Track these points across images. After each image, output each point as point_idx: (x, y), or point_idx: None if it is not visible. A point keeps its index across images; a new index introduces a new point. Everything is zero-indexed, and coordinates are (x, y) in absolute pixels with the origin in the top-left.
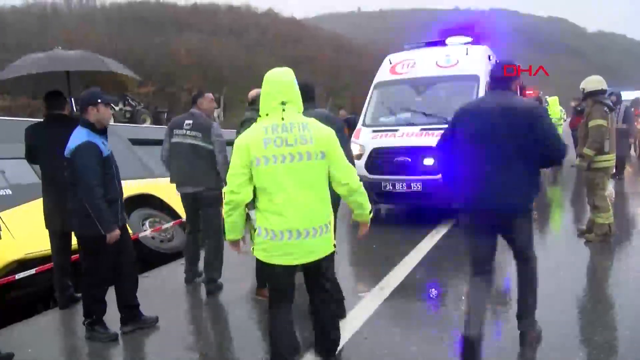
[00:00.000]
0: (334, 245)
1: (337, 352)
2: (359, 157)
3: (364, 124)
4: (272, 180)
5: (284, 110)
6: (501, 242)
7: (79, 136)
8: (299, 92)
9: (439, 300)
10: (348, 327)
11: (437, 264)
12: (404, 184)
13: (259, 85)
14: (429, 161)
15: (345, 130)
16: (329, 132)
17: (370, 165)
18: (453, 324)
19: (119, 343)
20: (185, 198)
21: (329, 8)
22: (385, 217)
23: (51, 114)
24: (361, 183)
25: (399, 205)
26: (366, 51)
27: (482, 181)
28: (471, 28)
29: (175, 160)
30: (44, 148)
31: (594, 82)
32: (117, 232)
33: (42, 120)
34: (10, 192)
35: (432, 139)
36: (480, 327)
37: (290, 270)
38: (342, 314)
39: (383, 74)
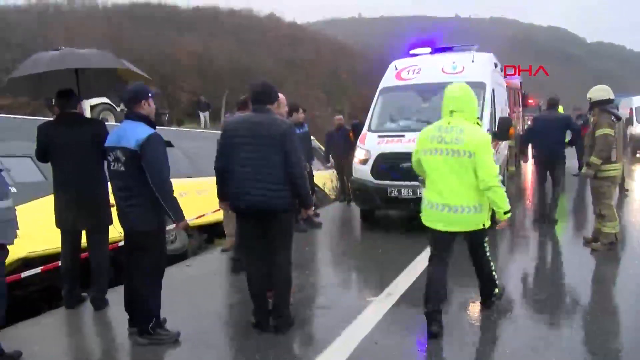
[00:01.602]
0: (483, 225)
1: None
2: (365, 162)
3: (369, 129)
4: (432, 166)
5: (451, 116)
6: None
7: (140, 128)
8: (471, 103)
9: (446, 305)
10: (357, 332)
11: None
12: (410, 190)
13: None
14: None
15: (350, 135)
16: (482, 138)
17: (376, 171)
18: (461, 328)
19: (129, 342)
20: None
21: (330, 14)
22: (391, 222)
23: (64, 112)
24: (498, 183)
25: (404, 211)
26: (366, 56)
27: None
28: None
29: None
30: (58, 147)
31: (600, 91)
32: (186, 221)
33: (53, 118)
34: (15, 190)
35: None
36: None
37: (447, 235)
38: (493, 278)
39: (389, 80)
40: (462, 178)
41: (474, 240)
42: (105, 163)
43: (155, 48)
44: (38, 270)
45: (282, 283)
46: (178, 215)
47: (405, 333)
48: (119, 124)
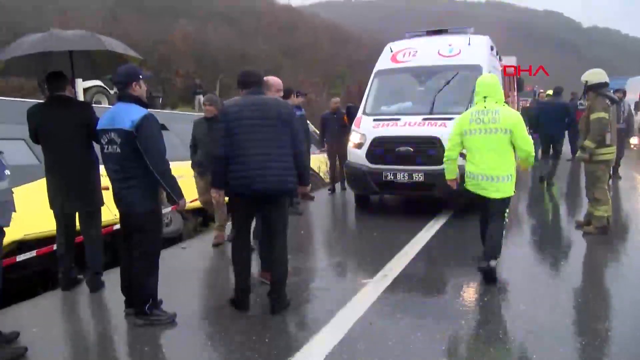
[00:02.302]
0: (514, 192)
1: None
2: (360, 146)
3: (364, 113)
4: (473, 144)
5: (485, 101)
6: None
7: (134, 110)
8: (500, 89)
9: (440, 287)
10: (352, 314)
11: (436, 252)
12: (406, 174)
13: None
14: (431, 151)
15: (344, 118)
16: (516, 117)
17: (371, 155)
18: (454, 310)
19: (125, 323)
20: None
21: None
22: (386, 206)
23: (52, 95)
24: (532, 151)
25: (399, 196)
26: (362, 41)
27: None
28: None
29: None
30: (47, 129)
31: (596, 74)
32: (185, 199)
33: (43, 101)
34: (9, 173)
35: (435, 129)
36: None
37: (483, 200)
38: (499, 244)
39: (384, 62)
40: (498, 152)
41: (499, 207)
42: (99, 147)
43: (149, 32)
44: (33, 253)
45: (281, 265)
46: (178, 193)
47: (399, 314)
48: (111, 106)
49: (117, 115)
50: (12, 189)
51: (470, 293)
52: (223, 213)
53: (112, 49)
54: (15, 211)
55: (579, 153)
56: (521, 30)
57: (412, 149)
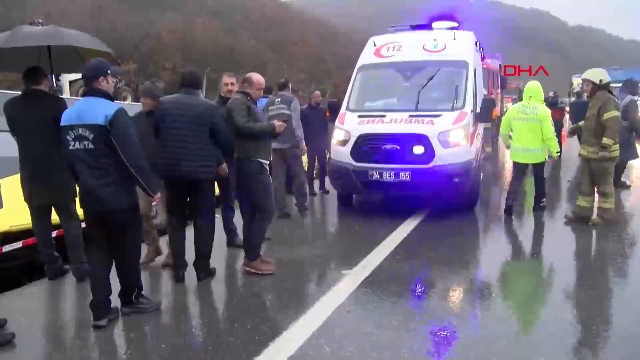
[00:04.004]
0: (544, 159)
1: None
2: (344, 143)
3: (348, 109)
4: (518, 127)
5: (529, 99)
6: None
7: (105, 104)
8: (540, 92)
9: (416, 278)
10: (331, 302)
11: (415, 245)
12: (392, 173)
13: (242, 67)
14: (418, 149)
15: (326, 114)
16: (546, 112)
17: (357, 153)
18: (430, 299)
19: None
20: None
21: None
22: (368, 201)
23: (28, 89)
24: (553, 137)
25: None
26: (350, 37)
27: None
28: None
29: None
30: (20, 122)
31: (604, 74)
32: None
33: (19, 94)
34: None
35: (422, 126)
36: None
37: (524, 165)
38: (544, 191)
39: (367, 57)
40: (533, 133)
41: (538, 168)
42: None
43: (136, 26)
44: (19, 244)
45: (203, 241)
46: (153, 186)
47: (376, 302)
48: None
49: (86, 110)
50: None
51: (444, 283)
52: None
53: (77, 45)
54: (2, 207)
55: (599, 152)
56: (507, 29)
57: (398, 147)
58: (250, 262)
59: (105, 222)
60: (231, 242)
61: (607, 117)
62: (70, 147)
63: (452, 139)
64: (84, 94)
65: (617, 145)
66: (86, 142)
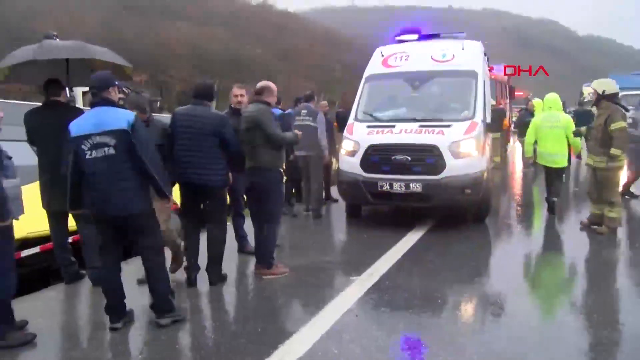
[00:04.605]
0: (564, 165)
1: None
2: (353, 153)
3: (356, 119)
4: (543, 134)
5: (550, 109)
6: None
7: (122, 111)
8: (559, 102)
9: (423, 285)
10: (340, 307)
11: (422, 253)
12: (403, 184)
13: (252, 76)
14: (429, 160)
15: (334, 124)
16: (569, 120)
17: (366, 163)
18: (437, 305)
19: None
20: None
21: (323, 1)
22: (376, 209)
23: (48, 100)
24: (578, 139)
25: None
26: (358, 46)
27: None
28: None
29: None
30: (41, 132)
31: (610, 84)
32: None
33: (40, 105)
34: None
35: (432, 137)
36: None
37: (551, 169)
38: (560, 190)
39: (374, 67)
40: (557, 139)
41: (559, 171)
42: (72, 154)
43: (146, 35)
44: (37, 249)
45: (215, 246)
46: (168, 188)
47: (383, 308)
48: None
49: (105, 118)
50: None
51: (451, 290)
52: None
53: (101, 58)
54: (23, 213)
55: (607, 162)
56: (516, 39)
57: (409, 158)
58: (267, 270)
59: (120, 228)
60: (242, 249)
61: (615, 127)
62: (87, 157)
63: (464, 150)
64: (92, 104)
65: (623, 154)
66: (106, 149)
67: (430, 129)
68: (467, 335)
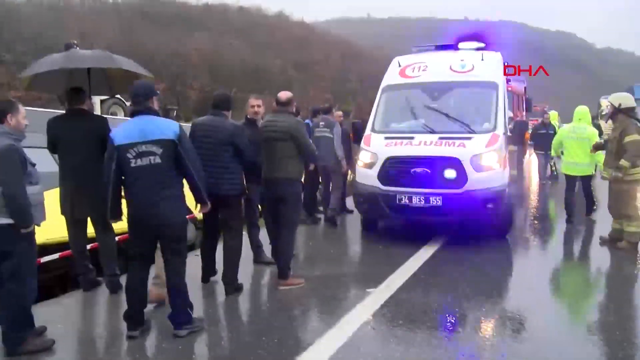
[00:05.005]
0: (591, 173)
1: None
2: (371, 166)
3: (373, 130)
4: (569, 145)
5: (579, 120)
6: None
7: (168, 123)
8: (588, 115)
9: (439, 297)
10: (356, 319)
11: (439, 266)
12: (422, 197)
13: (268, 87)
14: (450, 173)
15: (350, 136)
16: (594, 131)
17: (384, 176)
18: (453, 318)
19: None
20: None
21: (338, 13)
22: (390, 222)
23: (71, 108)
24: (601, 152)
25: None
26: (374, 57)
27: None
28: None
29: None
30: (65, 139)
31: (628, 99)
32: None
33: (63, 113)
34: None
35: (453, 149)
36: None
37: (574, 177)
38: (593, 200)
39: (392, 77)
40: (583, 150)
41: (585, 180)
42: (115, 162)
43: (165, 45)
44: (56, 256)
45: (232, 255)
46: (207, 197)
47: (400, 320)
48: (128, 118)
49: (151, 127)
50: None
51: (467, 303)
52: None
53: (127, 68)
54: (45, 219)
55: (612, 172)
56: (534, 51)
57: (429, 170)
58: (283, 280)
59: (156, 237)
60: (258, 259)
61: (628, 140)
62: (132, 165)
63: (485, 163)
64: (133, 113)
65: (638, 168)
66: (152, 158)
67: (450, 141)
68: (486, 350)
